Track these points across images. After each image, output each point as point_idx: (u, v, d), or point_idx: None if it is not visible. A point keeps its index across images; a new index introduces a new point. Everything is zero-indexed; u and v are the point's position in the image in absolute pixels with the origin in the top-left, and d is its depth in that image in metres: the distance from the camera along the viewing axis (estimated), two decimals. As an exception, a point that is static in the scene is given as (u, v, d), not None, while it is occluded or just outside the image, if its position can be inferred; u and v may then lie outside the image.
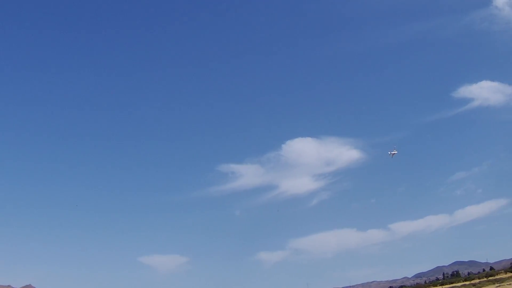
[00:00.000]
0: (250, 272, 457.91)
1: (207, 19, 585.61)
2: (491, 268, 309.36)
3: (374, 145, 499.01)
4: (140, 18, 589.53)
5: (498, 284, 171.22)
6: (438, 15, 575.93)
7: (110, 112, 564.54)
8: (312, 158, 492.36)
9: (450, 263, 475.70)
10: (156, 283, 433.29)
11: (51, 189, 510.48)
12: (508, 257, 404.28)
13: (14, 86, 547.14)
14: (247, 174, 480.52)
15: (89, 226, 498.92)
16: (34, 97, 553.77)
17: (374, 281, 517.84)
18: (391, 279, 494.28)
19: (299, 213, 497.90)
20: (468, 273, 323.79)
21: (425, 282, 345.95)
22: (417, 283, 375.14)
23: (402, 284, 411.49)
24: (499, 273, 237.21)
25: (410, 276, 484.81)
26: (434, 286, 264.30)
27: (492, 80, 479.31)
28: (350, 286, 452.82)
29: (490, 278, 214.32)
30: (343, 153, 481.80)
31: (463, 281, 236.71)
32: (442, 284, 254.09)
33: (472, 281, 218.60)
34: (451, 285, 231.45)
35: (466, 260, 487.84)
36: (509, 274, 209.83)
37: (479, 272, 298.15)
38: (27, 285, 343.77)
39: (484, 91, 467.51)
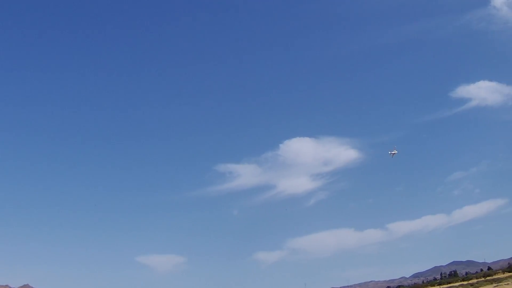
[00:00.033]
0: (248, 272, 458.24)
1: (205, 18, 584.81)
2: (489, 268, 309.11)
3: (372, 145, 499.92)
4: (135, 18, 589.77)
5: (496, 284, 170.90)
6: (436, 15, 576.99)
7: (107, 112, 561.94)
8: (310, 158, 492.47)
9: (447, 263, 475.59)
10: (153, 283, 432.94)
11: (49, 189, 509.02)
12: (506, 257, 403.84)
13: (14, 86, 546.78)
14: (245, 174, 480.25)
15: (86, 225, 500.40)
16: (33, 97, 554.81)
17: (371, 281, 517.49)
18: (388, 279, 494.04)
19: (297, 213, 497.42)
20: (466, 273, 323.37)
21: (423, 282, 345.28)
22: (415, 283, 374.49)
23: (399, 284, 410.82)
24: (497, 273, 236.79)
25: (408, 276, 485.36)
26: (432, 286, 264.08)
27: (490, 80, 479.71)
28: (347, 286, 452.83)
29: (488, 278, 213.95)
30: (341, 153, 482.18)
31: (460, 281, 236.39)
32: (439, 284, 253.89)
33: (470, 281, 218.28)
34: (449, 285, 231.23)
35: (464, 260, 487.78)
36: (507, 274, 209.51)
37: (476, 272, 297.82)
38: (24, 285, 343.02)
39: (482, 91, 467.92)
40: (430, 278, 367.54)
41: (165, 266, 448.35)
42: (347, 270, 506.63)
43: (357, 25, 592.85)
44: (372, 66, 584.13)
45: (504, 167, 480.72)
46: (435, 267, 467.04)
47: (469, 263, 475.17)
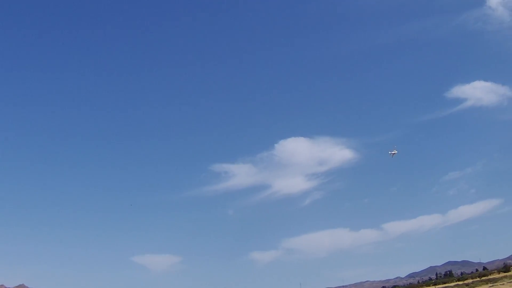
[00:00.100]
0: (243, 272, 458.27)
1: (202, 18, 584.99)
2: (484, 268, 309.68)
3: (367, 145, 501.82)
4: (135, 18, 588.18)
5: (491, 284, 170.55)
6: (432, 15, 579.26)
7: (103, 112, 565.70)
8: (305, 158, 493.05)
9: (443, 263, 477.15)
10: (149, 282, 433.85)
11: (45, 190, 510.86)
12: (501, 257, 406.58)
13: (14, 86, 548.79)
14: (240, 174, 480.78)
15: (82, 225, 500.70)
16: (33, 97, 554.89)
17: (367, 281, 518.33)
18: (384, 279, 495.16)
19: (292, 213, 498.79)
20: (461, 273, 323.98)
21: (418, 282, 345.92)
22: (410, 283, 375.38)
23: (395, 284, 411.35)
24: (492, 273, 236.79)
25: (403, 276, 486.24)
26: (427, 286, 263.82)
27: (486, 80, 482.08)
28: (343, 286, 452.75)
29: (483, 278, 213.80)
30: (336, 152, 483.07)
31: (456, 281, 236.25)
32: (435, 284, 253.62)
33: (465, 281, 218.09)
34: (444, 285, 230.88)
35: (459, 260, 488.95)
36: (502, 274, 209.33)
37: (472, 272, 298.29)
38: (20, 285, 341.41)
39: (477, 91, 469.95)
40: (426, 278, 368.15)
41: (161, 265, 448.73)
42: (343, 270, 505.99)
43: (353, 26, 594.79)
44: (367, 66, 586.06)
45: (500, 167, 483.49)
46: (431, 267, 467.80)
47: (465, 263, 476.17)
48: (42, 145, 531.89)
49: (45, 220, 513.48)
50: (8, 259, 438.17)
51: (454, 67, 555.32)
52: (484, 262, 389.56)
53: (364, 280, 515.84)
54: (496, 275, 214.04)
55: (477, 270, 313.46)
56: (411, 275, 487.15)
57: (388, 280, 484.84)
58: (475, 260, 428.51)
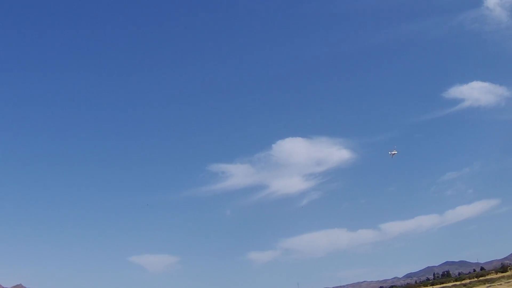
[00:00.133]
0: (241, 272, 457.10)
1: (198, 19, 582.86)
2: (482, 269, 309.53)
3: (364, 145, 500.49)
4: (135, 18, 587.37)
5: (488, 284, 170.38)
6: (429, 15, 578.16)
7: (100, 112, 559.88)
8: (303, 158, 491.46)
9: (440, 263, 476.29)
10: (146, 282, 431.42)
11: (41, 190, 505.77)
12: (498, 258, 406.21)
13: (14, 86, 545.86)
14: (238, 174, 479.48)
15: (79, 226, 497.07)
16: (32, 97, 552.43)
17: (364, 281, 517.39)
18: (381, 279, 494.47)
19: (290, 213, 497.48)
20: (459, 273, 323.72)
21: (416, 282, 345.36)
22: (407, 283, 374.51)
23: (392, 284, 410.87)
24: (490, 273, 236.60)
25: (400, 276, 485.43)
26: (424, 286, 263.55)
27: (483, 80, 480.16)
28: (340, 286, 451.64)
29: (481, 278, 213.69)
30: (333, 153, 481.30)
31: (453, 281, 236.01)
32: (432, 284, 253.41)
33: (463, 281, 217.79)
34: (442, 285, 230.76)
35: (457, 260, 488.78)
36: (499, 275, 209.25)
37: (469, 272, 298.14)
38: (17, 285, 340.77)
39: (475, 92, 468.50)
40: (423, 278, 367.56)
41: (158, 266, 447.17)
42: (340, 270, 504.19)
43: (350, 26, 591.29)
44: (365, 66, 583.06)
45: (497, 168, 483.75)
46: (428, 267, 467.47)
47: (462, 263, 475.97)
48: (39, 145, 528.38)
49: (43, 220, 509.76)
50: (5, 259, 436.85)
51: (451, 68, 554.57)
52: (482, 262, 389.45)
53: (362, 280, 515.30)
54: (494, 275, 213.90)
55: (474, 270, 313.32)
56: (408, 275, 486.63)
57: (385, 280, 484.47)
58: (473, 260, 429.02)
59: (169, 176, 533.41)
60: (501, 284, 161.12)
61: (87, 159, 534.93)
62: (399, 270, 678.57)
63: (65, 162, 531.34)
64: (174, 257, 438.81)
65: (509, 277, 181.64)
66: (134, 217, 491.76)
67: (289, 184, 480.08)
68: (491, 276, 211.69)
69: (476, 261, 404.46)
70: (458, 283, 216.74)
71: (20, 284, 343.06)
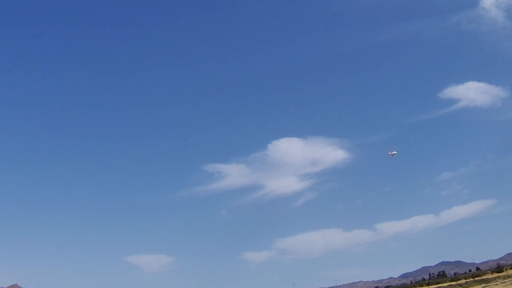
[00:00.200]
0: (236, 272, 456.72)
1: (195, 19, 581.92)
2: (477, 269, 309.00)
3: (360, 145, 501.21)
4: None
5: (484, 285, 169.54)
6: (425, 15, 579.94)
7: (97, 112, 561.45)
8: (298, 158, 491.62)
9: (436, 263, 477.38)
10: (142, 282, 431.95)
11: (37, 190, 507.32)
12: (494, 258, 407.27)
13: (14, 86, 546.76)
14: (233, 174, 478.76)
15: (75, 226, 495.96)
16: (32, 97, 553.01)
17: (360, 281, 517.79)
18: (377, 279, 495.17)
19: (285, 213, 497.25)
20: (454, 274, 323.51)
21: (411, 282, 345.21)
22: (403, 283, 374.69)
23: (388, 284, 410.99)
24: (486, 273, 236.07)
25: (396, 276, 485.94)
26: (420, 286, 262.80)
27: (479, 81, 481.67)
28: (336, 286, 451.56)
29: (477, 278, 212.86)
30: (329, 153, 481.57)
31: (449, 282, 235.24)
32: (428, 285, 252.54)
33: (458, 282, 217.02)
34: (437, 286, 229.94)
35: (452, 261, 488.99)
36: (495, 275, 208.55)
37: (465, 273, 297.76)
38: (13, 285, 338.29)
39: (470, 92, 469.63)
40: (419, 278, 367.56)
41: (154, 266, 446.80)
42: (336, 270, 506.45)
43: (346, 26, 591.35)
44: (360, 66, 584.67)
45: (493, 168, 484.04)
46: (424, 267, 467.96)
47: (458, 263, 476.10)
48: (36, 145, 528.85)
49: (39, 220, 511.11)
50: (1, 259, 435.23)
51: (447, 68, 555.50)
52: (477, 262, 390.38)
53: (357, 281, 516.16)
54: (489, 276, 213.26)
55: (470, 270, 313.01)
56: (404, 275, 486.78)
57: (381, 281, 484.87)
58: (468, 261, 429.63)
59: (164, 176, 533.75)
60: (497, 284, 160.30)
61: (83, 160, 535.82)
62: (395, 270, 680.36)
63: (61, 163, 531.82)
64: (169, 257, 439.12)
65: (504, 277, 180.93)
66: (130, 217, 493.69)
67: (284, 184, 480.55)
68: (487, 276, 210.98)
69: (471, 261, 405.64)
70: (453, 283, 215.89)
71: (16, 284, 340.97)
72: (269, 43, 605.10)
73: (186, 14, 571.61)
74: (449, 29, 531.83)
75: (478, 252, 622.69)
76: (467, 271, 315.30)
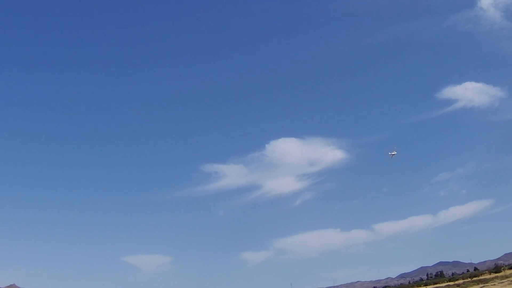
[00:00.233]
0: (234, 272, 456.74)
1: (191, 19, 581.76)
2: (475, 269, 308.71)
3: (358, 146, 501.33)
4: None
5: (482, 285, 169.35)
6: (423, 16, 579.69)
7: (94, 112, 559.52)
8: (296, 158, 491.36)
9: (434, 263, 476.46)
10: (140, 282, 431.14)
11: (34, 190, 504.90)
12: (492, 258, 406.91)
13: (14, 86, 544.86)
14: (231, 174, 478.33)
15: (73, 226, 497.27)
16: (31, 97, 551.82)
17: (358, 281, 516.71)
18: (375, 279, 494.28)
19: (283, 213, 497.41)
20: (452, 274, 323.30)
21: (409, 282, 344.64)
22: (401, 283, 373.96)
23: (386, 285, 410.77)
24: (483, 273, 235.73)
25: (394, 277, 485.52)
26: (418, 286, 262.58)
27: (477, 81, 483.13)
28: (334, 286, 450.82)
29: (475, 278, 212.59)
30: (327, 153, 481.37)
31: (447, 282, 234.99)
32: (426, 285, 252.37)
33: (456, 282, 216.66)
34: (435, 286, 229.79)
35: (450, 261, 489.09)
36: (493, 275, 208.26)
37: (463, 273, 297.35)
38: (11, 285, 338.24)
39: (468, 92, 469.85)
40: (417, 278, 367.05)
41: (152, 266, 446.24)
42: (333, 270, 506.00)
43: (344, 26, 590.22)
44: (358, 66, 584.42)
45: (490, 168, 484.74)
46: (421, 267, 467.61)
47: (456, 263, 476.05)
48: (33, 144, 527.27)
49: (37, 220, 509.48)
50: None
51: (445, 68, 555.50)
52: (475, 262, 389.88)
53: (355, 281, 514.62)
54: (487, 276, 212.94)
55: (468, 270, 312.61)
56: (402, 276, 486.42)
57: (379, 281, 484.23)
58: (466, 261, 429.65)
59: (162, 176, 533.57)
60: (494, 285, 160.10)
61: (80, 159, 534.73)
62: (393, 271, 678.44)
63: (58, 163, 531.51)
64: (167, 257, 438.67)
65: (502, 277, 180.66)
66: (127, 217, 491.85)
67: (282, 184, 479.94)
68: (485, 277, 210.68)
69: (469, 262, 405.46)
70: (451, 283, 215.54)
71: (14, 284, 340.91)
72: (267, 43, 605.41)
73: (183, 14, 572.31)
74: (447, 30, 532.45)
75: (476, 252, 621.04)
76: (465, 271, 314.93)
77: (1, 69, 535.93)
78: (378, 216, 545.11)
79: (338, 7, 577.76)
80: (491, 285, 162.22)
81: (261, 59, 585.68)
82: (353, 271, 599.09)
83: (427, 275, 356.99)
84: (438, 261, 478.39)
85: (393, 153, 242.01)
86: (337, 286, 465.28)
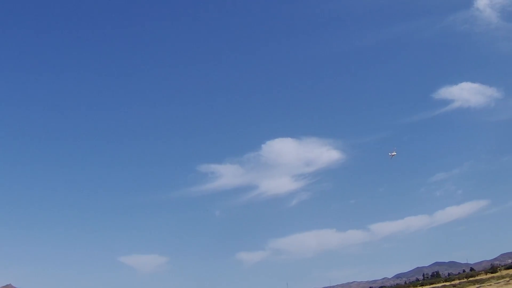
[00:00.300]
0: (230, 272, 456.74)
1: (187, 19, 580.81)
2: (471, 269, 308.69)
3: (354, 146, 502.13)
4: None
5: (478, 285, 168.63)
6: (419, 16, 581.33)
7: (89, 112, 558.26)
8: (292, 159, 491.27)
9: (430, 263, 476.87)
10: (136, 283, 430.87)
11: (31, 190, 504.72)
12: (488, 258, 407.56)
13: (14, 86, 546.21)
14: (227, 174, 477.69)
15: (69, 226, 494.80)
16: (29, 97, 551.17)
17: (354, 282, 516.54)
18: (371, 280, 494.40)
19: (279, 213, 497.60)
20: (448, 274, 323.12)
21: (405, 282, 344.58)
22: (397, 283, 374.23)
23: (382, 285, 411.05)
24: (480, 274, 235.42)
25: (390, 277, 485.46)
26: (414, 286, 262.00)
27: (473, 81, 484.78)
28: (330, 287, 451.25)
29: (471, 279, 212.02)
30: (323, 153, 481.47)
31: (443, 282, 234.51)
32: (422, 285, 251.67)
33: (452, 282, 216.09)
34: (431, 286, 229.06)
35: (446, 261, 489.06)
36: (489, 275, 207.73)
37: (459, 273, 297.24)
38: (7, 285, 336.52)
39: (464, 93, 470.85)
40: (413, 279, 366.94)
41: (148, 266, 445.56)
42: (330, 270, 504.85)
43: (340, 26, 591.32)
44: (355, 67, 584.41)
45: (487, 168, 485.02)
46: (418, 267, 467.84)
47: (452, 264, 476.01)
48: (29, 145, 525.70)
49: (32, 220, 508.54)
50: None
51: (441, 69, 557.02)
52: (471, 263, 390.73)
53: (351, 281, 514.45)
54: (483, 276, 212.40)
55: (464, 271, 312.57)
56: (398, 276, 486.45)
57: (375, 281, 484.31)
58: (462, 261, 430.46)
59: (158, 177, 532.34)
60: (490, 285, 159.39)
61: (76, 160, 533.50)
62: (389, 271, 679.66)
63: (54, 163, 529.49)
64: (163, 257, 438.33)
65: (498, 277, 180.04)
66: (123, 217, 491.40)
67: (278, 184, 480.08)
68: (481, 277, 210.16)
69: (465, 262, 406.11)
70: (447, 283, 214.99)
71: (10, 284, 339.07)
72: (262, 43, 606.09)
73: (183, 14, 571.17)
74: (443, 30, 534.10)
75: (472, 252, 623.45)
76: (461, 271, 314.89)
77: (1, 69, 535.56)
78: (374, 216, 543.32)
79: (333, 9, 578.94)
80: (487, 285, 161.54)
81: (257, 60, 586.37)
82: (349, 271, 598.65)
83: (423, 275, 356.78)
84: (434, 262, 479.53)
85: (393, 153, 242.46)
86: (333, 286, 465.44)
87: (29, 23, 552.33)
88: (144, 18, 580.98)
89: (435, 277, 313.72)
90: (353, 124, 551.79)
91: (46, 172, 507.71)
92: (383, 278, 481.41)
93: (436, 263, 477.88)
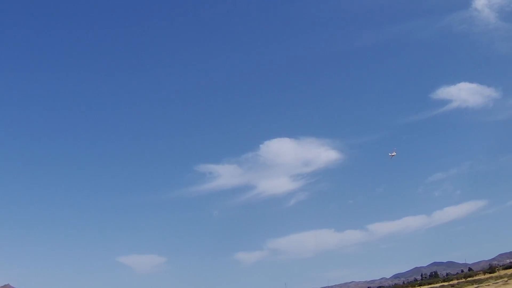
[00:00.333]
0: (228, 272, 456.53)
1: (185, 19, 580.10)
2: (470, 269, 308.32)
3: (352, 146, 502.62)
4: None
5: (476, 285, 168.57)
6: (417, 16, 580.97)
7: (89, 112, 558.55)
8: (290, 159, 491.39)
9: (428, 263, 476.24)
10: (134, 283, 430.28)
11: (29, 190, 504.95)
12: (486, 258, 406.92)
13: (14, 86, 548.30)
14: (225, 175, 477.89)
15: (67, 226, 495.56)
16: (29, 97, 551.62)
17: (352, 282, 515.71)
18: (369, 280, 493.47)
19: (277, 213, 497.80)
20: (447, 274, 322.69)
21: (403, 282, 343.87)
22: (395, 283, 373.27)
23: (380, 285, 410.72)
24: (478, 274, 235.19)
25: (388, 277, 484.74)
26: (412, 286, 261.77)
27: (471, 81, 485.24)
28: (328, 287, 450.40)
29: (469, 279, 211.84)
30: (321, 153, 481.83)
31: (441, 282, 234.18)
32: (420, 285, 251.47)
33: (451, 282, 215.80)
34: (430, 286, 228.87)
35: (445, 261, 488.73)
36: (487, 275, 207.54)
37: (457, 273, 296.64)
38: (5, 285, 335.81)
39: (462, 93, 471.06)
40: (411, 279, 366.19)
41: (146, 266, 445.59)
42: (328, 270, 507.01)
43: (338, 26, 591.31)
44: (353, 67, 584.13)
45: (485, 169, 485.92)
46: (416, 268, 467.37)
47: (450, 264, 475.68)
48: (28, 145, 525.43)
49: (31, 220, 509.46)
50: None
51: (439, 69, 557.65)
52: (470, 263, 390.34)
53: (349, 281, 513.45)
54: (482, 276, 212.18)
55: (462, 271, 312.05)
56: (396, 276, 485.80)
57: (373, 281, 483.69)
58: (461, 261, 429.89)
59: (156, 177, 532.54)
60: (489, 285, 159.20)
61: (74, 160, 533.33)
62: (387, 271, 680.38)
63: (52, 163, 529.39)
64: (161, 257, 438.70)
65: (497, 277, 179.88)
66: (121, 217, 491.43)
67: (276, 184, 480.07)
68: (479, 277, 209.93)
69: (464, 262, 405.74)
70: (446, 283, 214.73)
71: (8, 284, 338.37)
72: (260, 43, 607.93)
73: (182, 14, 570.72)
74: (442, 30, 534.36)
75: (470, 252, 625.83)
76: (459, 271, 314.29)
77: (1, 69, 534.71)
78: (373, 216, 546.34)
79: (332, 9, 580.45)
80: (486, 285, 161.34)
81: (255, 60, 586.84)
82: (347, 271, 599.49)
83: (421, 275, 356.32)
84: (432, 262, 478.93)
85: (392, 154, 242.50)
86: (331, 286, 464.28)
87: (29, 23, 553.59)
88: (144, 18, 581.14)
89: (433, 277, 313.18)
90: (351, 124, 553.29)
91: (44, 172, 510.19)
92: (381, 278, 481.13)
93: (434, 263, 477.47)
